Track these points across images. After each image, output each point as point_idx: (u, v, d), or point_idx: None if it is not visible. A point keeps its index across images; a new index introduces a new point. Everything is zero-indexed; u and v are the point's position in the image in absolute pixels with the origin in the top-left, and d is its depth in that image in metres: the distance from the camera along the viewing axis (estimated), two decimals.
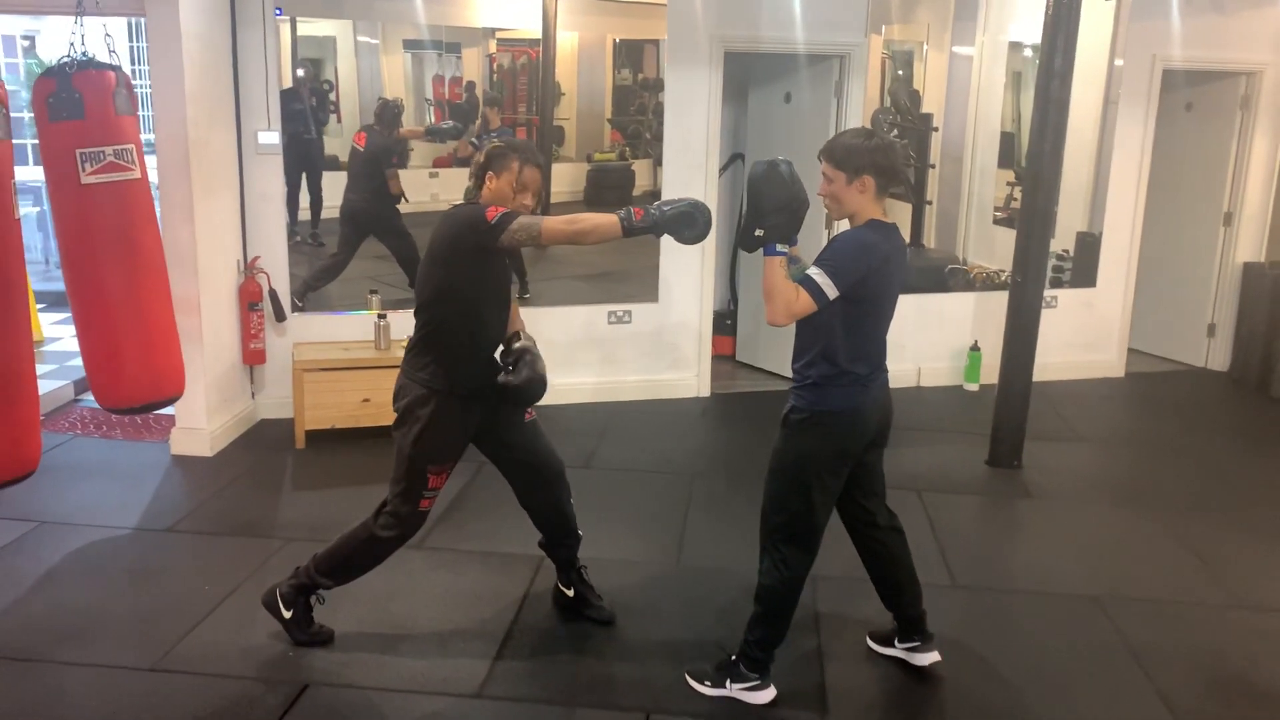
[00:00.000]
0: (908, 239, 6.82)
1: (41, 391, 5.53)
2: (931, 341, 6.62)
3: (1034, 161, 4.85)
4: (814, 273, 2.83)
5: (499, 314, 3.29)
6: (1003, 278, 6.76)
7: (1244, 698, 3.24)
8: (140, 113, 4.29)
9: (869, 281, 2.85)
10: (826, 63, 6.16)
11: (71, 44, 3.97)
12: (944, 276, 6.75)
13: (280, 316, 5.45)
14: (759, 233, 2.84)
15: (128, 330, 4.06)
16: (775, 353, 6.79)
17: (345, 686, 3.15)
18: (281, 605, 3.40)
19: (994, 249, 6.92)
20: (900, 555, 3.26)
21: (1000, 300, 6.19)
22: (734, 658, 3.14)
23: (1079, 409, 6.23)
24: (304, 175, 5.66)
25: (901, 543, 3.27)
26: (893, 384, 6.34)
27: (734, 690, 3.12)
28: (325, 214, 5.78)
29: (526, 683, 3.20)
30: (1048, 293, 6.72)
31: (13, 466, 3.46)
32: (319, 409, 5.17)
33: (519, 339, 3.37)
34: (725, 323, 7.21)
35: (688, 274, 6.09)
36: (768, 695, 3.11)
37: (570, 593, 3.63)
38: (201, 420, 5.00)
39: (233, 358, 5.30)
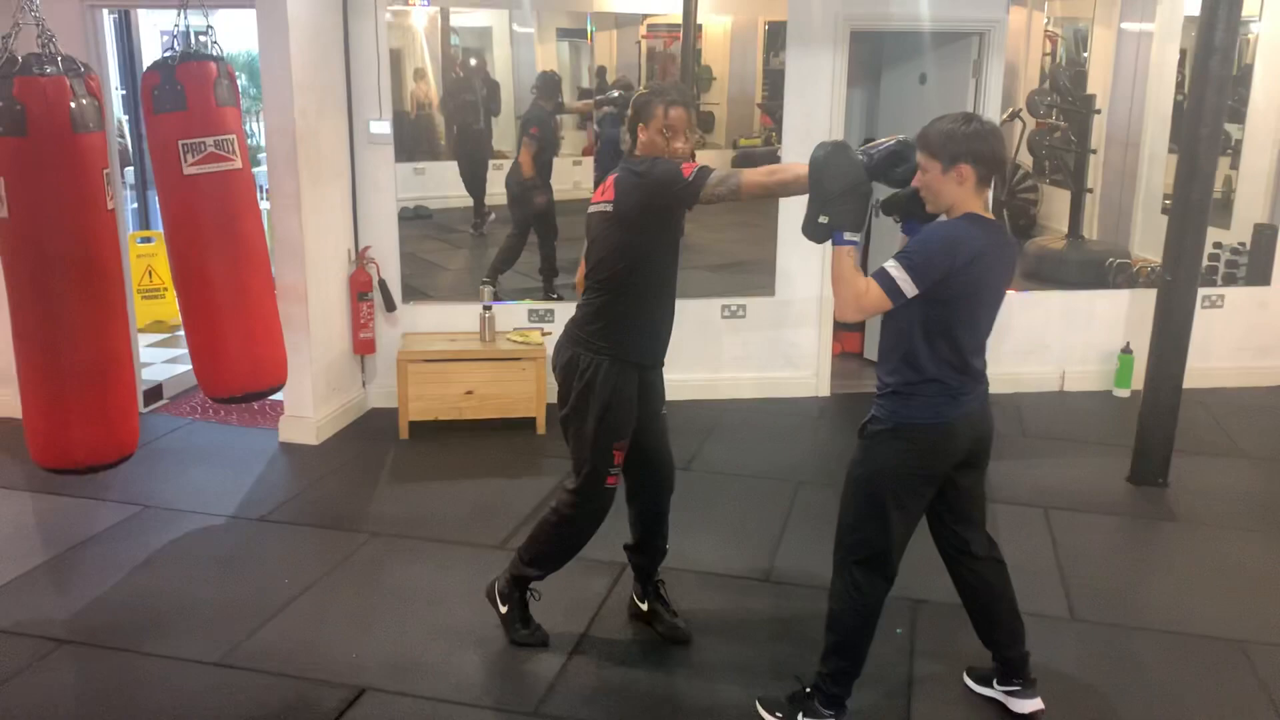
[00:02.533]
0: (1065, 229, 6.31)
1: (166, 376, 5.75)
2: (1079, 342, 6.11)
3: (1189, 147, 4.34)
4: (891, 266, 2.55)
5: (673, 278, 3.12)
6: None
7: None
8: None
9: (953, 281, 2.55)
10: (964, 40, 5.73)
11: (175, 36, 4.04)
12: (1105, 271, 6.18)
13: (390, 306, 5.46)
14: (824, 219, 2.58)
15: (230, 319, 4.07)
16: None
17: (402, 694, 3.05)
18: (499, 599, 3.38)
19: (1162, 241, 6.30)
20: (999, 588, 2.93)
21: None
22: (808, 690, 2.89)
23: (1245, 421, 5.61)
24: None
25: (1001, 574, 2.94)
26: (1034, 387, 5.97)
27: None
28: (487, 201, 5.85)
29: (587, 703, 3.03)
30: (1214, 291, 6.16)
31: (112, 450, 3.55)
32: (422, 400, 5.14)
33: None
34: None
35: (808, 264, 5.77)
36: None
37: (644, 607, 3.45)
38: (308, 409, 5.04)
39: (343, 347, 5.33)
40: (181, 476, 4.70)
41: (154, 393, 5.57)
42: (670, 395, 5.67)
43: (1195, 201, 4.35)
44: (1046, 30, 6.20)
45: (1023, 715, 2.95)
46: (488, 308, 5.33)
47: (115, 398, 3.48)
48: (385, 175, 5.40)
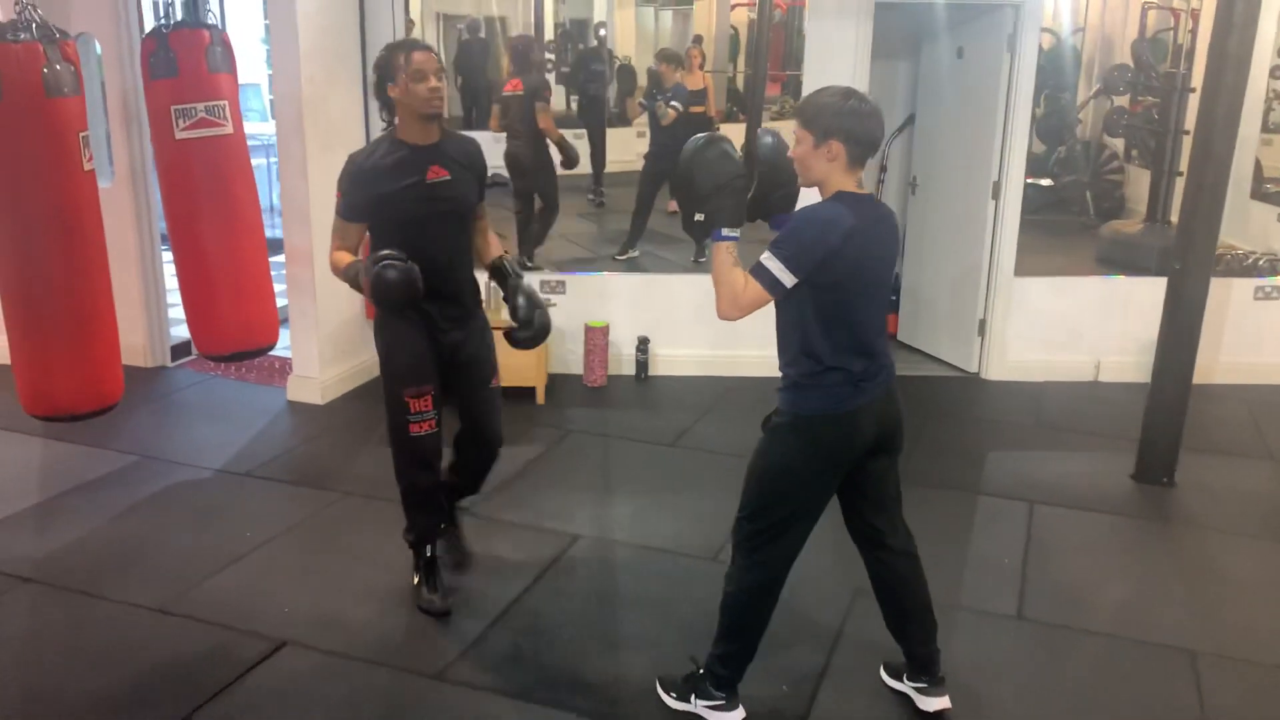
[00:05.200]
0: (1143, 213, 5.99)
1: None
2: (1116, 331, 5.82)
3: (1203, 129, 4.08)
4: (765, 258, 2.49)
5: (433, 250, 3.07)
6: (1251, 260, 5.83)
7: None
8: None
9: (834, 264, 2.47)
10: (999, 13, 5.49)
11: (170, 4, 4.18)
12: None
13: None
14: (699, 217, 2.55)
15: (221, 280, 4.23)
16: (937, 334, 6.23)
17: (319, 650, 3.14)
18: (413, 568, 3.45)
19: (1247, 227, 5.93)
20: (910, 583, 2.84)
21: (1222, 288, 5.37)
22: (701, 671, 2.86)
23: None
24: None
25: (914, 569, 2.84)
26: (1065, 376, 5.71)
27: (699, 706, 2.84)
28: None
29: (492, 671, 3.06)
30: (1267, 282, 5.80)
31: (92, 400, 3.72)
32: None
33: (507, 273, 3.27)
34: (890, 297, 6.67)
35: None
36: (734, 717, 2.81)
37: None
38: (314, 369, 5.19)
39: (354, 310, 5.45)
40: (186, 429, 4.90)
41: (182, 349, 5.80)
42: (678, 370, 5.68)
43: (1209, 185, 4.09)
44: (1147, 4, 5.84)
45: (928, 713, 2.86)
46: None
47: (95, 350, 3.64)
48: None
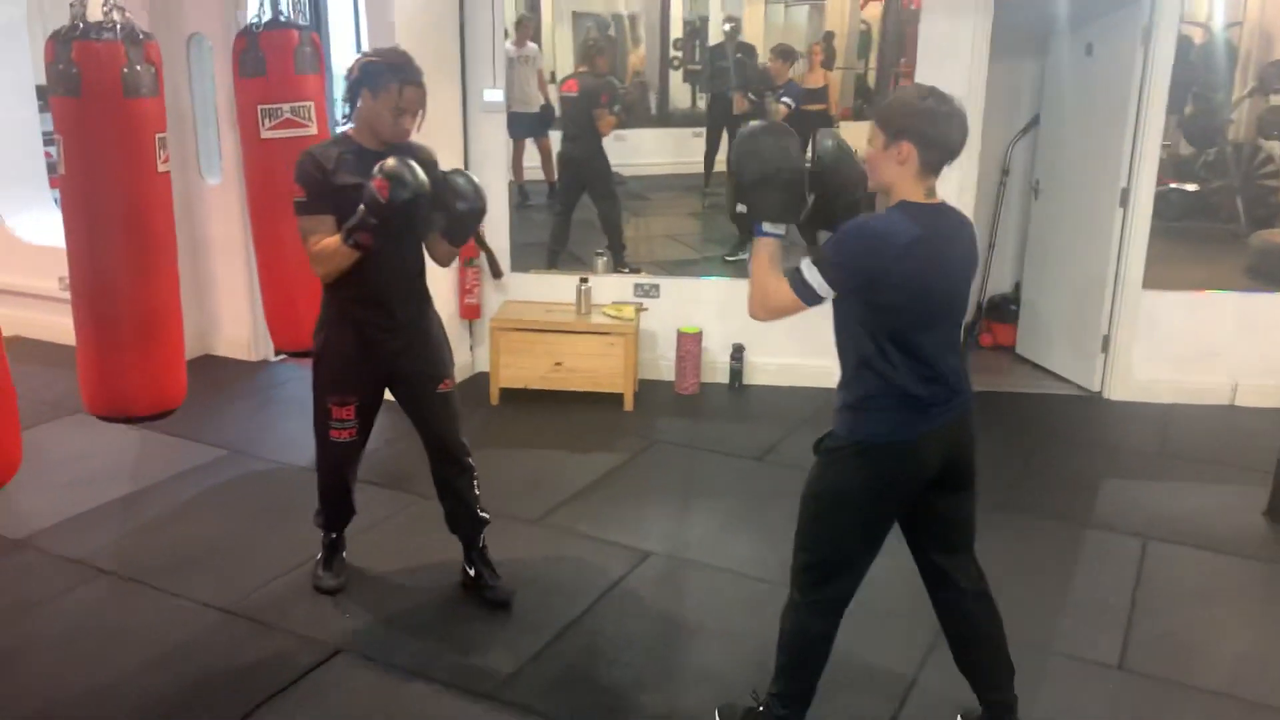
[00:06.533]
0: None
1: None
2: (1259, 351, 5.35)
3: None
4: (805, 266, 2.32)
5: (384, 260, 3.05)
6: None
7: None
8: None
9: (887, 281, 2.26)
10: (1132, 6, 5.10)
11: (262, 3, 4.21)
12: None
13: (496, 274, 5.48)
14: (741, 208, 2.36)
15: (298, 280, 4.24)
16: (1056, 349, 5.85)
17: (370, 660, 3.08)
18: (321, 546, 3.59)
19: None
20: (983, 626, 2.61)
21: None
22: (761, 710, 2.69)
23: None
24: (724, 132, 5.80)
25: (987, 610, 2.61)
26: (1197, 399, 5.26)
27: None
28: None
29: (546, 694, 2.94)
30: None
31: (157, 402, 3.75)
32: (513, 368, 5.17)
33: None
34: (1010, 308, 6.33)
35: None
36: None
37: (471, 572, 3.46)
38: None
39: (448, 311, 5.42)
40: (278, 425, 4.96)
41: None
42: (773, 380, 5.44)
43: None
44: None
45: None
46: (584, 280, 5.27)
47: (156, 352, 3.66)
48: (497, 144, 5.43)
